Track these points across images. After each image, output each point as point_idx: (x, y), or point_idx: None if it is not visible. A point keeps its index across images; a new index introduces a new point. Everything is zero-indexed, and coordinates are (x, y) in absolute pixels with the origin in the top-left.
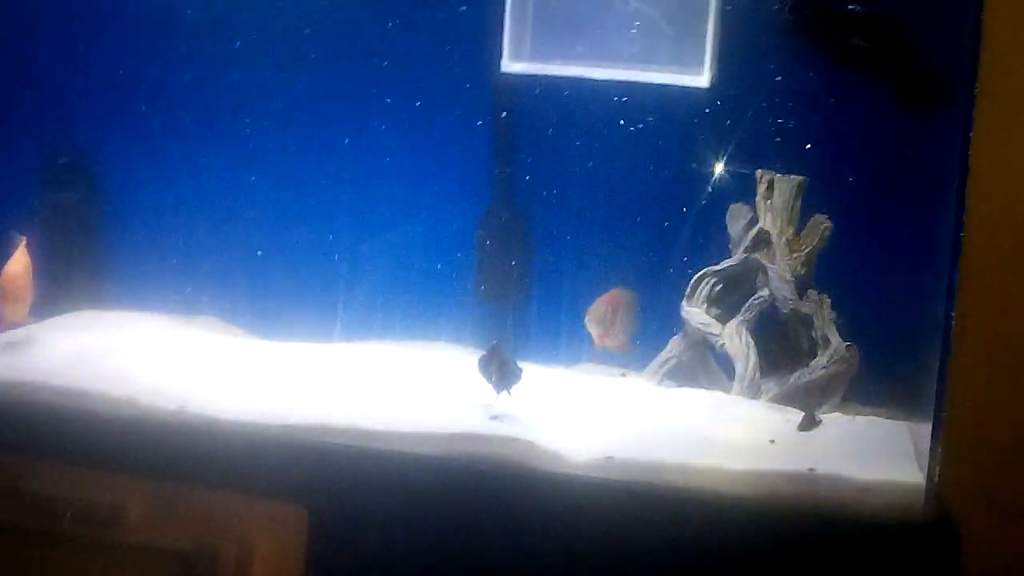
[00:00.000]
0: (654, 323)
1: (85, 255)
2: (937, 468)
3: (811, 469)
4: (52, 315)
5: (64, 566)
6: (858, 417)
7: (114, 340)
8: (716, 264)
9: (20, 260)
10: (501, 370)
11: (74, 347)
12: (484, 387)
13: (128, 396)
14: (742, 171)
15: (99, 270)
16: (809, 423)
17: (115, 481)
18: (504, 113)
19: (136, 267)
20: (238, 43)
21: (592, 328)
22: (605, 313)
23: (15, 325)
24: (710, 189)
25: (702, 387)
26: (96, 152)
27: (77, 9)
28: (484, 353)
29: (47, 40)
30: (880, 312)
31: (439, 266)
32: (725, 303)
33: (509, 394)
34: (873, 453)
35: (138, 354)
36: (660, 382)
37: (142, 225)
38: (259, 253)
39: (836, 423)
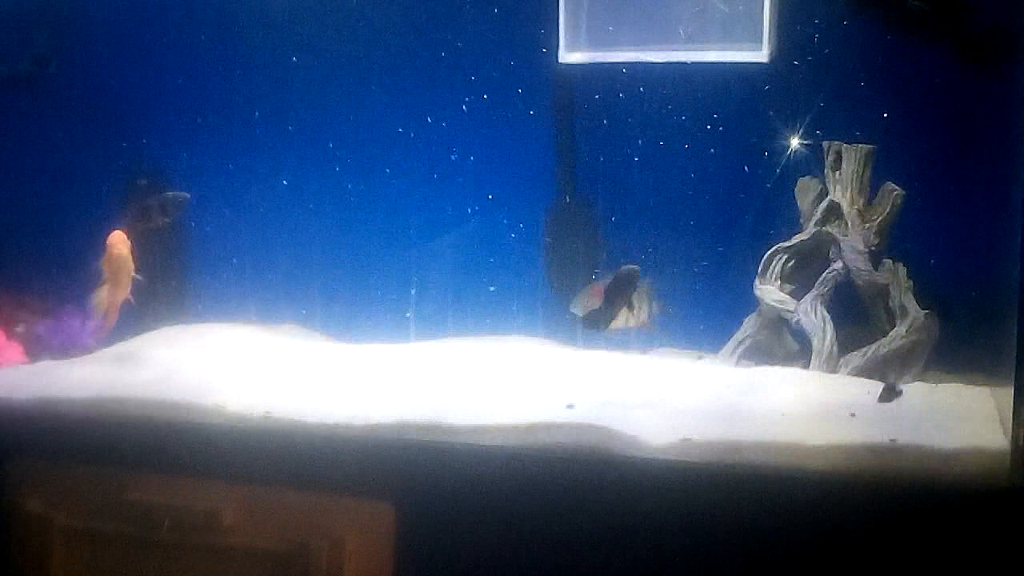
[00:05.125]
0: (728, 303)
1: (168, 273)
2: (1021, 432)
3: (893, 440)
4: (139, 332)
5: (164, 571)
6: (940, 385)
7: (200, 352)
8: (787, 240)
9: (120, 239)
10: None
11: (163, 361)
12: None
13: (216, 405)
14: (809, 144)
15: (182, 286)
16: (890, 394)
17: (209, 487)
18: (564, 103)
19: (217, 281)
20: (298, 51)
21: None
22: (586, 302)
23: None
24: (777, 164)
25: (780, 364)
26: (173, 172)
27: (149, 39)
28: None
29: (123, 70)
30: (956, 277)
31: (507, 259)
32: (799, 278)
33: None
34: (956, 421)
35: (223, 364)
36: (737, 362)
37: (220, 240)
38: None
39: (918, 392)
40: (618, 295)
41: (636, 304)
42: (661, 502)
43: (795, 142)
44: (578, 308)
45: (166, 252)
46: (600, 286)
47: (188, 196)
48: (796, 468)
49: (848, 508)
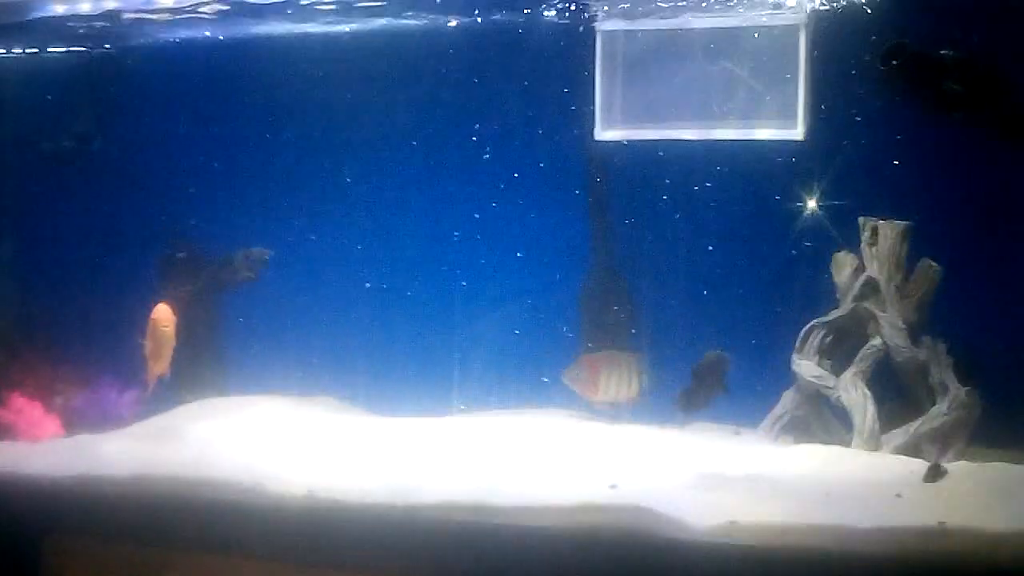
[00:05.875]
0: (765, 379)
1: (206, 345)
2: None
3: (942, 523)
4: (175, 405)
5: None
6: (985, 464)
7: (238, 427)
8: (825, 315)
9: (166, 314)
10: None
11: (201, 436)
12: None
13: (256, 483)
14: (844, 220)
15: (219, 358)
16: (935, 473)
17: (250, 568)
18: (599, 179)
19: (253, 353)
20: (341, 133)
21: (573, 386)
22: (577, 374)
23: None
24: (812, 240)
25: (819, 441)
26: (211, 245)
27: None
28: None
29: (163, 146)
30: (996, 353)
31: (542, 332)
32: (837, 354)
33: None
34: (1004, 500)
35: (262, 440)
36: (776, 438)
37: (257, 313)
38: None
39: (963, 471)
40: (708, 377)
41: (605, 383)
42: None
43: (829, 218)
44: (569, 379)
45: (203, 322)
46: (591, 359)
47: (271, 252)
48: (845, 552)
49: None
